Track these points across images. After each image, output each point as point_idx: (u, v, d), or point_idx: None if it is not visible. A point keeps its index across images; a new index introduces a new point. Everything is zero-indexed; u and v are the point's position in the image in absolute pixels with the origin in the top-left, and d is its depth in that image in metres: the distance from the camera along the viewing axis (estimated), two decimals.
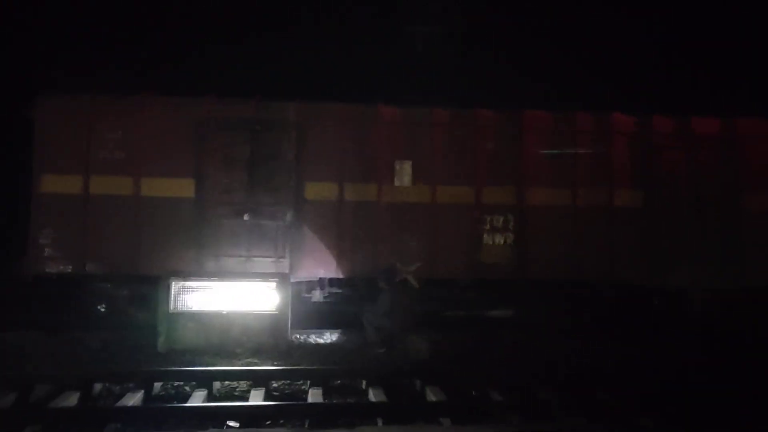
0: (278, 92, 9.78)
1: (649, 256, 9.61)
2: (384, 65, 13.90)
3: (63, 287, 9.02)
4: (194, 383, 6.58)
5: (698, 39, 14.70)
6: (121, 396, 6.30)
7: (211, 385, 6.52)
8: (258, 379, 6.67)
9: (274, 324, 8.19)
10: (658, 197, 9.72)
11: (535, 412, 5.86)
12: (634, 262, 9.59)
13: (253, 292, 8.31)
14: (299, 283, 9.22)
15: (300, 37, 14.56)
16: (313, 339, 8.88)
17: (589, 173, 9.67)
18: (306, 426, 5.54)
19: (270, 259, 9.10)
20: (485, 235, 9.43)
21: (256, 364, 7.38)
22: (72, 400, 6.09)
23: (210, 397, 6.39)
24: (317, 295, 9.30)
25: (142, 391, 6.34)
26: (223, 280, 8.35)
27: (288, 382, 6.83)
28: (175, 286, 8.11)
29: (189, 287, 8.15)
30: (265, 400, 6.24)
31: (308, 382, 6.74)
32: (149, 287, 8.52)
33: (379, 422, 5.61)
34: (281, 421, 5.70)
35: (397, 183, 9.42)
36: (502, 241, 9.45)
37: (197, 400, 6.14)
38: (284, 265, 9.09)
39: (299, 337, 8.87)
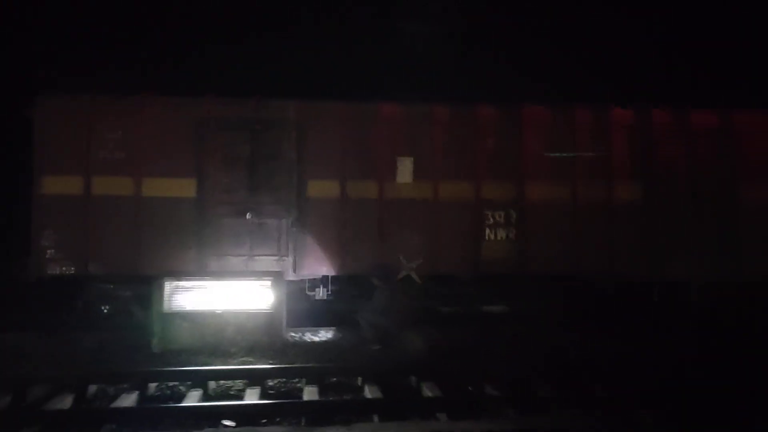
0: (278, 91, 9.79)
1: (648, 250, 9.63)
2: (384, 63, 13.91)
3: (65, 288, 9.04)
4: (189, 383, 6.56)
5: (693, 31, 14.75)
6: (116, 397, 6.28)
7: (206, 385, 6.50)
8: (253, 378, 6.65)
9: (269, 322, 8.18)
10: (658, 191, 9.74)
11: (533, 407, 5.87)
12: (634, 256, 9.62)
13: (248, 291, 8.30)
14: (302, 281, 9.25)
15: (300, 37, 14.56)
16: (309, 337, 8.87)
17: (589, 168, 9.70)
18: (302, 424, 5.53)
19: (272, 258, 9.12)
20: (487, 231, 9.46)
21: (252, 363, 7.36)
22: (67, 401, 6.07)
23: (205, 397, 6.37)
24: (320, 293, 9.31)
25: (137, 392, 6.32)
26: (217, 280, 8.34)
27: (284, 380, 6.82)
28: (169, 286, 8.09)
29: (183, 287, 8.13)
30: (260, 398, 6.22)
31: (304, 380, 6.72)
32: (151, 287, 8.48)
33: (375, 419, 5.62)
34: (277, 420, 5.70)
35: (398, 180, 9.44)
36: (503, 237, 9.48)
37: (192, 399, 6.11)
38: (287, 263, 9.11)
39: (294, 335, 8.86)
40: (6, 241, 9.92)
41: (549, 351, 7.74)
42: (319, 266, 9.23)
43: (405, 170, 9.45)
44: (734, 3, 14.57)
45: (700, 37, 14.69)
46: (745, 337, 8.28)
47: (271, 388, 6.70)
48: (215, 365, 7.18)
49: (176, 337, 7.94)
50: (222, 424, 5.57)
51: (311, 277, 9.27)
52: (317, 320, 9.43)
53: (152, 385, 6.54)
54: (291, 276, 9.15)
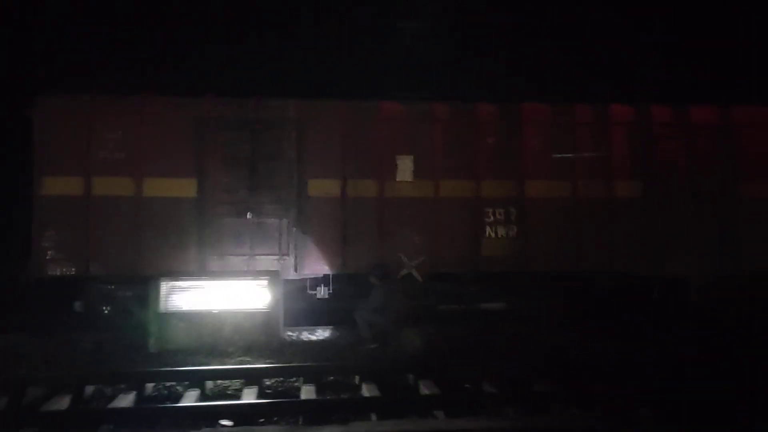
0: (278, 91, 9.85)
1: (648, 245, 9.67)
2: (383, 62, 13.92)
3: (65, 289, 9.04)
4: (186, 383, 6.55)
5: (691, 28, 14.79)
6: (113, 397, 6.26)
7: (203, 385, 6.48)
8: (250, 378, 6.64)
9: (266, 322, 8.18)
10: (657, 187, 9.77)
11: (531, 405, 5.86)
12: (634, 252, 9.65)
13: (245, 291, 8.30)
14: (303, 280, 9.25)
15: (299, 36, 14.57)
16: (306, 336, 8.88)
17: (589, 165, 9.73)
18: (299, 423, 5.53)
19: (274, 257, 9.14)
20: (487, 229, 9.50)
21: (249, 363, 7.36)
22: (65, 401, 6.05)
23: (203, 397, 6.36)
24: (322, 292, 9.31)
25: (135, 392, 6.30)
26: (213, 279, 8.34)
27: (281, 379, 6.81)
28: (165, 286, 8.09)
29: (179, 287, 8.14)
30: (258, 398, 6.21)
31: (301, 379, 6.72)
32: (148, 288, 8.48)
33: (373, 417, 5.61)
34: (275, 419, 5.68)
35: (398, 178, 9.47)
36: (504, 234, 9.51)
37: (190, 399, 6.10)
38: (288, 262, 9.14)
39: (291, 334, 8.86)
40: (6, 242, 9.88)
41: (548, 350, 7.73)
42: (320, 265, 9.23)
43: (405, 169, 9.48)
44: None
45: (698, 34, 14.72)
46: (745, 334, 8.28)
47: (269, 387, 6.68)
48: (212, 365, 7.19)
49: (173, 337, 7.94)
50: (219, 423, 5.56)
51: (312, 277, 9.27)
52: (318, 319, 9.45)
53: (149, 386, 6.52)
54: (292, 275, 9.17)
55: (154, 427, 5.44)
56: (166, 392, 6.55)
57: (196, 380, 6.51)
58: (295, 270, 9.20)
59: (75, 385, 6.26)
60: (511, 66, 13.93)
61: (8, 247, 9.75)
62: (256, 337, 8.08)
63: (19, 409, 5.90)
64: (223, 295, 8.22)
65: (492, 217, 9.54)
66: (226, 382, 6.74)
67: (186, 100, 9.29)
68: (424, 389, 6.33)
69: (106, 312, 9.03)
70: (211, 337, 7.99)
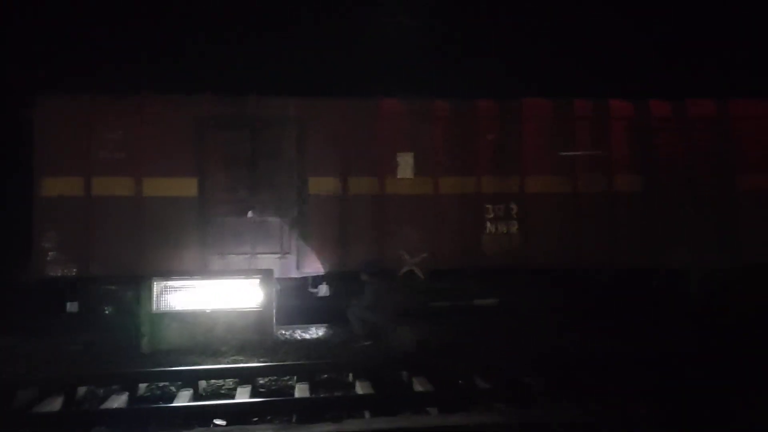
0: (278, 89, 9.82)
1: (648, 239, 9.73)
2: (383, 60, 13.91)
3: (60, 290, 8.97)
4: (180, 383, 6.53)
5: (688, 22, 14.86)
6: (105, 398, 6.23)
7: (196, 384, 6.47)
8: (244, 377, 6.64)
9: (258, 321, 8.18)
10: (657, 181, 9.84)
11: (527, 402, 5.88)
12: (634, 245, 9.71)
13: (237, 290, 8.28)
14: (305, 278, 9.26)
15: (299, 34, 14.56)
16: (299, 334, 8.87)
17: (589, 159, 9.78)
18: (293, 421, 5.52)
19: (275, 256, 9.12)
20: (488, 225, 9.52)
21: (242, 362, 7.34)
22: (57, 403, 6.02)
23: (196, 397, 6.34)
24: (323, 290, 9.32)
25: (127, 393, 6.28)
26: (206, 279, 8.31)
27: (274, 378, 6.81)
28: (158, 286, 8.06)
29: (171, 287, 8.11)
30: (251, 397, 6.21)
31: (295, 377, 6.71)
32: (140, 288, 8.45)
33: (367, 415, 5.62)
34: (268, 418, 5.68)
35: (399, 176, 9.47)
36: (504, 230, 9.53)
37: (183, 399, 6.09)
38: (290, 261, 9.13)
39: (285, 332, 8.85)
40: (5, 243, 9.83)
41: (547, 346, 7.73)
42: (322, 263, 9.22)
43: (406, 166, 9.49)
44: None
45: (696, 29, 14.79)
46: (744, 326, 8.32)
47: (262, 386, 6.69)
48: (205, 365, 7.16)
49: (166, 337, 7.92)
50: (213, 423, 5.55)
51: (314, 275, 9.28)
52: (320, 317, 9.43)
53: (142, 386, 6.50)
54: (294, 273, 9.17)
55: (146, 428, 5.42)
56: (159, 392, 6.54)
57: (189, 380, 6.50)
58: (297, 268, 9.19)
59: (67, 386, 6.25)
60: (511, 62, 13.94)
61: (7, 248, 9.67)
62: (249, 336, 8.06)
63: (11, 411, 5.87)
64: (216, 295, 8.20)
65: (492, 213, 9.55)
66: (220, 382, 6.74)
67: (186, 100, 9.25)
68: (418, 386, 6.33)
69: (107, 312, 8.98)
70: (203, 336, 7.97)
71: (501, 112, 9.76)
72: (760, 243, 9.75)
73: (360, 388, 6.31)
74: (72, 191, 8.79)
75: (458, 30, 15.08)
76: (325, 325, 9.23)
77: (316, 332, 8.98)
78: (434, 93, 9.91)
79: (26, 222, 8.80)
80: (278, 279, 9.13)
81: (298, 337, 8.73)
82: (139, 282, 8.25)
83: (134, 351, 7.83)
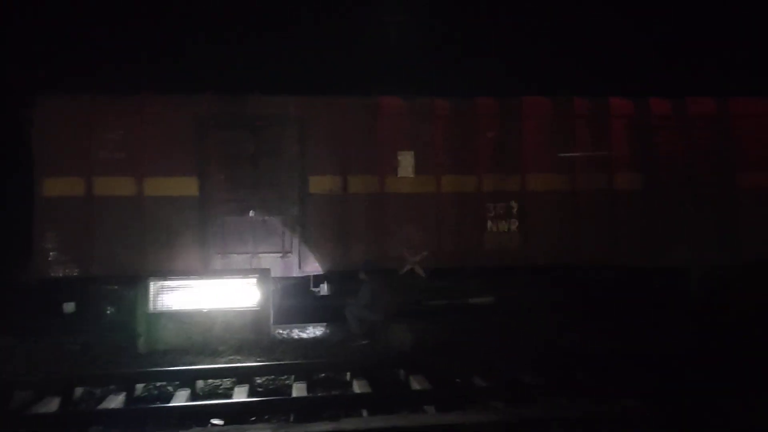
0: (279, 88, 9.86)
1: (648, 237, 9.75)
2: (383, 59, 13.93)
3: (57, 291, 8.97)
4: (177, 383, 6.53)
5: (688, 20, 14.88)
6: (102, 399, 6.23)
7: (194, 384, 6.47)
8: (241, 376, 6.64)
9: (255, 320, 8.17)
10: (657, 178, 9.86)
11: (523, 399, 5.90)
12: (635, 243, 9.73)
13: (234, 289, 8.28)
14: (306, 277, 9.26)
15: (299, 34, 14.56)
16: (296, 333, 8.87)
17: (589, 158, 9.79)
18: (290, 420, 5.53)
19: (277, 255, 9.13)
20: (489, 223, 9.54)
21: (239, 361, 7.34)
22: (54, 403, 6.02)
23: (193, 396, 6.34)
24: (325, 289, 9.33)
25: (124, 393, 6.28)
26: (202, 278, 8.31)
27: (272, 377, 6.81)
28: (154, 286, 8.05)
29: (168, 287, 8.10)
30: (249, 396, 6.21)
31: (292, 376, 6.72)
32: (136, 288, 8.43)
33: (364, 413, 5.62)
34: (266, 417, 5.68)
35: (400, 174, 9.49)
36: (505, 228, 9.55)
37: (180, 399, 6.09)
38: (292, 260, 9.15)
39: (282, 332, 8.85)
40: (5, 243, 9.81)
41: (548, 345, 7.74)
42: (323, 262, 9.24)
43: (406, 164, 9.50)
44: None
45: (695, 27, 14.81)
46: (744, 324, 8.34)
47: (260, 385, 6.69)
48: (203, 364, 7.16)
49: (163, 337, 7.91)
50: (210, 423, 5.55)
51: (315, 274, 9.28)
52: (322, 316, 9.41)
53: (139, 386, 6.50)
54: (296, 272, 9.19)
55: (144, 428, 5.42)
56: (156, 392, 6.54)
57: (187, 380, 6.50)
58: (299, 267, 9.20)
59: (64, 387, 6.24)
60: (511, 62, 13.97)
61: (7, 249, 9.66)
62: (247, 335, 8.06)
63: (8, 411, 5.86)
64: (213, 294, 8.20)
65: (493, 212, 9.58)
66: (217, 381, 6.75)
67: (186, 99, 9.25)
68: (415, 384, 6.34)
69: (108, 312, 8.97)
70: (201, 336, 7.96)
71: (501, 110, 9.77)
72: (760, 241, 9.78)
73: (357, 387, 6.33)
74: (73, 191, 8.79)
75: (458, 30, 15.11)
76: (322, 324, 9.23)
77: (313, 331, 8.98)
78: (434, 92, 9.92)
79: (26, 222, 8.81)
80: (280, 278, 9.19)
81: (296, 337, 8.72)
82: (135, 282, 8.26)
83: (132, 351, 7.82)
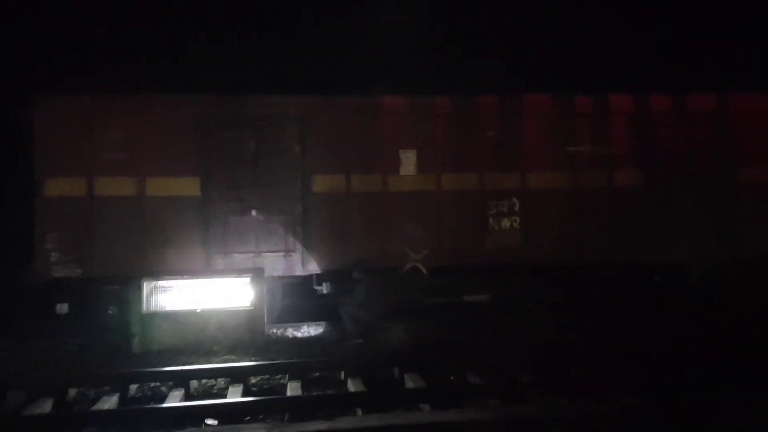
0: (280, 87, 9.88)
1: (649, 233, 9.78)
2: (384, 58, 13.90)
3: (71, 291, 8.96)
4: (171, 383, 6.50)
5: (687, 16, 14.92)
6: (96, 400, 6.20)
7: (188, 385, 6.45)
8: (235, 376, 6.62)
9: (250, 320, 8.16)
10: (657, 175, 9.89)
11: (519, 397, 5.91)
12: (635, 240, 9.76)
13: (228, 289, 8.26)
14: (309, 276, 9.28)
15: (299, 33, 14.52)
16: (291, 333, 8.86)
17: (590, 155, 9.82)
18: (285, 419, 5.52)
19: (280, 254, 9.14)
20: (490, 221, 9.55)
21: (233, 361, 7.32)
22: (47, 405, 5.99)
23: (187, 397, 6.32)
24: (327, 288, 9.35)
25: (118, 394, 6.25)
26: (196, 278, 8.29)
27: (266, 377, 6.80)
28: (148, 286, 8.02)
29: (162, 287, 8.09)
30: (243, 396, 6.20)
31: (287, 376, 6.71)
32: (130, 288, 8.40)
33: (359, 412, 5.62)
34: (260, 417, 5.68)
35: (402, 172, 9.50)
36: (507, 226, 9.57)
37: (174, 400, 6.06)
38: (294, 259, 9.16)
39: (276, 331, 8.84)
40: (11, 245, 9.76)
41: (548, 343, 7.68)
42: (326, 260, 9.24)
43: (408, 163, 9.53)
44: None
45: (695, 27, 14.85)
46: (744, 320, 8.35)
47: (254, 385, 6.67)
48: (197, 364, 7.12)
49: (157, 337, 7.89)
50: (205, 423, 5.54)
51: (318, 272, 9.29)
52: (324, 315, 9.41)
53: (133, 387, 6.47)
54: (299, 271, 9.21)
55: (138, 429, 5.41)
56: (150, 393, 6.50)
57: (181, 380, 6.48)
58: (302, 266, 9.20)
59: (57, 388, 6.21)
60: (511, 61, 13.94)
61: (8, 249, 9.61)
62: (241, 334, 8.05)
63: (1, 413, 5.83)
64: (207, 294, 8.19)
65: (495, 209, 9.60)
66: (211, 381, 6.72)
67: (187, 99, 9.25)
68: (410, 383, 6.34)
69: (111, 312, 8.94)
70: (195, 336, 7.94)
71: (502, 108, 9.80)
72: (760, 237, 9.82)
73: (352, 386, 6.30)
74: (74, 191, 8.80)
75: (458, 29, 15.09)
76: (317, 323, 9.24)
77: (307, 330, 8.97)
78: (435, 91, 9.94)
79: (26, 223, 8.80)
80: (282, 277, 9.23)
81: (290, 336, 8.71)
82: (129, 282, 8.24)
83: (126, 351, 7.80)
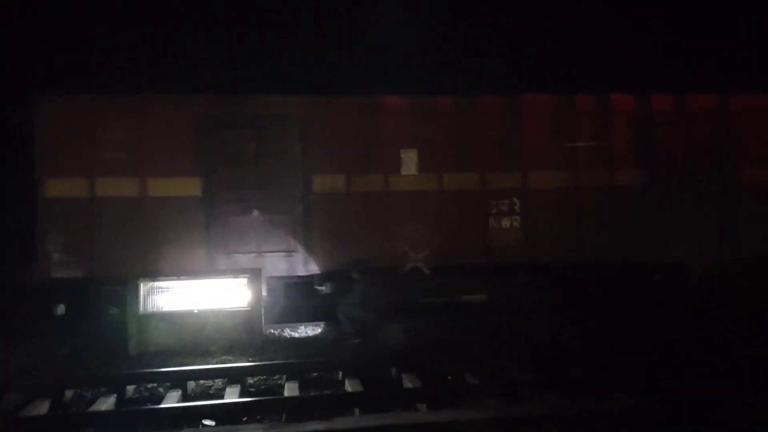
0: (281, 87, 9.87)
1: (649, 233, 9.77)
2: (384, 58, 13.90)
3: (69, 292, 8.95)
4: (168, 384, 6.49)
5: (687, 16, 14.91)
6: (93, 401, 6.18)
7: (185, 385, 6.43)
8: (233, 377, 6.60)
9: (247, 320, 8.13)
10: (658, 174, 9.88)
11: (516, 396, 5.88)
12: (636, 239, 9.75)
13: (225, 290, 8.24)
14: (311, 276, 9.26)
15: (301, 33, 14.53)
16: (288, 333, 8.84)
17: (591, 154, 9.81)
18: (283, 420, 5.50)
19: (282, 254, 9.13)
20: (491, 220, 9.56)
21: (231, 362, 7.30)
22: (44, 406, 5.97)
23: (185, 397, 6.30)
24: (329, 288, 9.34)
25: (115, 395, 6.23)
26: (193, 279, 8.26)
27: (264, 377, 6.78)
28: (144, 287, 8.00)
29: (158, 287, 8.06)
30: (241, 396, 6.17)
31: (284, 376, 6.68)
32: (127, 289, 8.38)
33: (356, 412, 5.60)
34: (258, 417, 5.65)
35: (403, 172, 9.50)
36: (508, 225, 9.57)
37: (171, 400, 6.04)
38: (296, 259, 9.16)
39: (273, 331, 8.83)
40: (12, 246, 9.74)
41: (550, 343, 7.69)
42: (328, 260, 9.23)
43: (410, 162, 9.52)
44: None
45: (695, 22, 14.84)
46: (744, 320, 8.34)
47: (251, 385, 6.65)
48: (194, 365, 7.11)
49: (153, 338, 7.87)
50: (202, 423, 5.52)
51: (320, 272, 9.28)
52: (326, 315, 9.39)
53: (130, 388, 6.45)
54: (301, 271, 9.21)
55: (135, 430, 5.38)
56: (147, 394, 6.48)
57: (178, 381, 6.45)
58: (304, 266, 9.20)
59: (54, 389, 6.19)
60: (512, 62, 13.94)
61: (8, 250, 9.59)
62: (238, 335, 8.03)
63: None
64: (204, 295, 8.16)
65: (496, 209, 9.60)
66: (209, 382, 6.70)
67: (188, 99, 9.24)
68: (407, 382, 6.32)
69: (113, 313, 8.93)
70: (192, 337, 7.92)
71: (503, 107, 9.80)
72: (761, 237, 9.81)
73: (349, 386, 6.29)
74: (75, 192, 8.79)
75: (459, 29, 15.10)
76: (314, 323, 9.22)
77: (305, 331, 8.96)
78: (436, 91, 9.94)
79: (27, 224, 8.80)
80: (284, 277, 9.23)
81: (287, 336, 8.70)
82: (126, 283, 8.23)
83: (123, 353, 7.77)
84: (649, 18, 15.13)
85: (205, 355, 7.63)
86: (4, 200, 10.34)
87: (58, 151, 8.78)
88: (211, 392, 6.54)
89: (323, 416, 5.30)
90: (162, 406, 5.84)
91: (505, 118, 9.76)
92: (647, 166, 9.90)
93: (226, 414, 5.53)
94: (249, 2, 14.51)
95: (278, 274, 9.20)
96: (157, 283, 8.08)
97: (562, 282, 9.78)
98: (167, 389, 6.40)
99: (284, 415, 5.58)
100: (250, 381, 6.69)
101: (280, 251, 9.17)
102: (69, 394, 6.32)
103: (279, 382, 6.68)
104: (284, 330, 8.94)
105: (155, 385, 6.57)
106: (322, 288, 9.37)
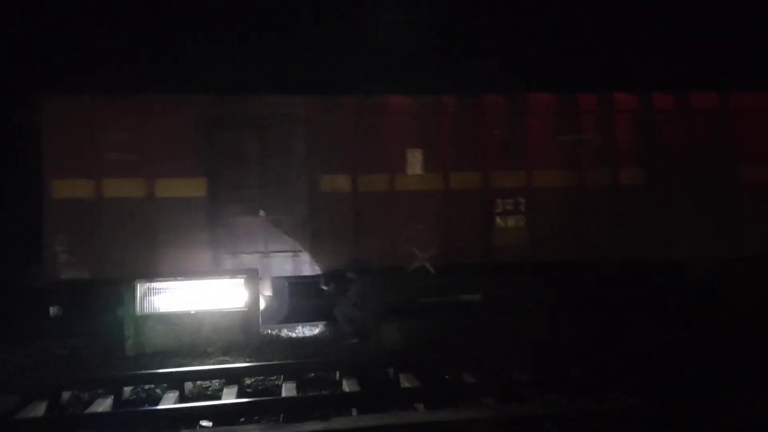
0: (286, 87, 9.93)
1: (651, 231, 9.79)
2: (387, 58, 13.93)
3: (68, 292, 8.98)
4: (165, 385, 6.46)
5: (688, 15, 14.92)
6: (90, 402, 6.15)
7: (182, 386, 6.39)
8: (230, 377, 6.57)
9: (244, 321, 8.11)
10: (660, 173, 9.91)
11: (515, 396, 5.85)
12: (638, 238, 9.77)
13: (222, 290, 8.21)
14: (317, 276, 9.28)
15: (305, 34, 14.56)
16: (285, 333, 8.82)
17: (595, 153, 9.83)
18: (280, 420, 5.47)
19: (288, 254, 9.14)
20: (497, 219, 9.59)
21: (228, 362, 7.27)
22: (41, 408, 5.94)
23: (182, 398, 6.27)
24: (335, 288, 9.32)
25: (112, 397, 6.20)
26: (190, 279, 8.24)
27: (261, 378, 6.75)
28: (141, 287, 7.97)
29: (155, 288, 8.03)
30: (238, 397, 6.15)
31: (282, 376, 6.65)
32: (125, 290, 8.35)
33: (354, 412, 5.57)
34: (255, 418, 5.62)
35: (409, 172, 9.51)
36: (513, 224, 9.60)
37: (169, 401, 6.01)
38: (303, 258, 9.19)
39: (271, 332, 8.80)
40: (19, 247, 9.74)
41: (551, 342, 7.69)
42: (334, 260, 9.21)
43: (415, 162, 9.54)
44: None
45: (695, 22, 14.84)
46: (744, 318, 8.31)
47: (249, 386, 6.62)
48: (191, 366, 7.08)
49: (150, 339, 7.84)
50: (200, 424, 5.49)
51: (326, 272, 9.29)
52: (329, 315, 9.37)
53: (127, 389, 6.42)
54: (307, 271, 9.22)
55: (132, 431, 5.35)
56: (144, 395, 6.45)
57: (175, 382, 6.43)
58: (310, 266, 9.19)
59: (51, 391, 6.16)
60: (514, 62, 13.98)
61: (21, 252, 9.59)
62: (235, 336, 8.00)
63: None
64: (201, 295, 8.14)
65: (501, 208, 9.60)
66: (206, 383, 6.67)
67: (193, 100, 9.26)
68: (405, 382, 6.29)
69: (118, 313, 8.93)
70: (189, 337, 7.89)
71: (507, 106, 9.83)
72: (761, 236, 9.82)
73: (347, 386, 6.26)
74: (81, 194, 8.81)
75: (461, 29, 15.12)
76: (311, 323, 9.21)
77: (302, 331, 8.94)
78: (440, 90, 9.97)
79: (32, 225, 8.81)
80: (290, 277, 9.27)
81: (284, 337, 8.68)
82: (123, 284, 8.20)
83: (120, 354, 7.75)
84: (650, 18, 15.14)
85: (202, 355, 7.60)
86: (5, 200, 10.35)
87: (65, 152, 8.79)
88: (209, 393, 6.51)
89: (321, 416, 5.28)
90: (159, 407, 5.81)
91: (510, 117, 9.79)
92: (648, 165, 9.91)
93: (223, 415, 5.49)
94: (249, 2, 14.52)
95: (285, 274, 9.21)
96: (154, 284, 8.05)
97: (563, 281, 9.76)
98: (164, 390, 6.37)
99: (282, 415, 5.55)
100: (248, 381, 6.66)
101: (286, 251, 9.16)
102: (66, 395, 6.29)
103: (276, 382, 6.65)
104: (281, 330, 8.92)
105: (152, 386, 6.54)
106: (329, 287, 9.35)
